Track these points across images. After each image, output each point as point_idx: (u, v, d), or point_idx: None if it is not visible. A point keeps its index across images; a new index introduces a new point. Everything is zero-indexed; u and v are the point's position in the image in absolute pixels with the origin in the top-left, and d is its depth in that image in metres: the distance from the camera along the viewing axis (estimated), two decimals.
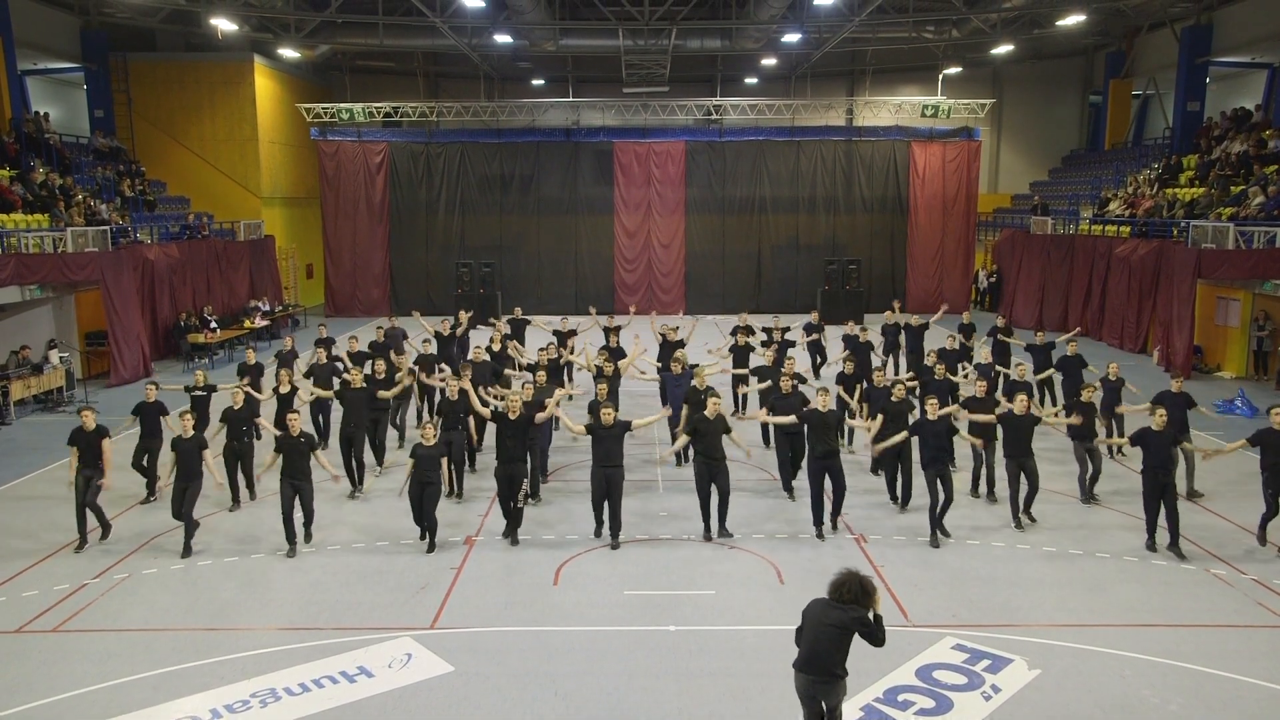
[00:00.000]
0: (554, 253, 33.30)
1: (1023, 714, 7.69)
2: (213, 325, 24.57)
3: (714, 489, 11.46)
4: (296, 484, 11.02)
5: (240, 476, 12.89)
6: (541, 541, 11.51)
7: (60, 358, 20.02)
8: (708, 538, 11.56)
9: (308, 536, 11.49)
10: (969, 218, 33.51)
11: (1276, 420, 11.10)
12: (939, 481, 11.30)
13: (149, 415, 12.88)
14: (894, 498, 12.85)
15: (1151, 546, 11.13)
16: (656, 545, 11.42)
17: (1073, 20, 28.10)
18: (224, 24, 26.73)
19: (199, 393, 13.91)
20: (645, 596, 9.92)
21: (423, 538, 11.38)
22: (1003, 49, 32.36)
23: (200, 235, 27.03)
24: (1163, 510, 10.91)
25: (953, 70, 35.41)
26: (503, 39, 29.47)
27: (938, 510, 11.40)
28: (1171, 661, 8.51)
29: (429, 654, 8.69)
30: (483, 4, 25.58)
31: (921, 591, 10.01)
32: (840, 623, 6.35)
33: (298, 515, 11.22)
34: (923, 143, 33.13)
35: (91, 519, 11.53)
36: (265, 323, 27.26)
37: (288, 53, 31.73)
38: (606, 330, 18.14)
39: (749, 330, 17.63)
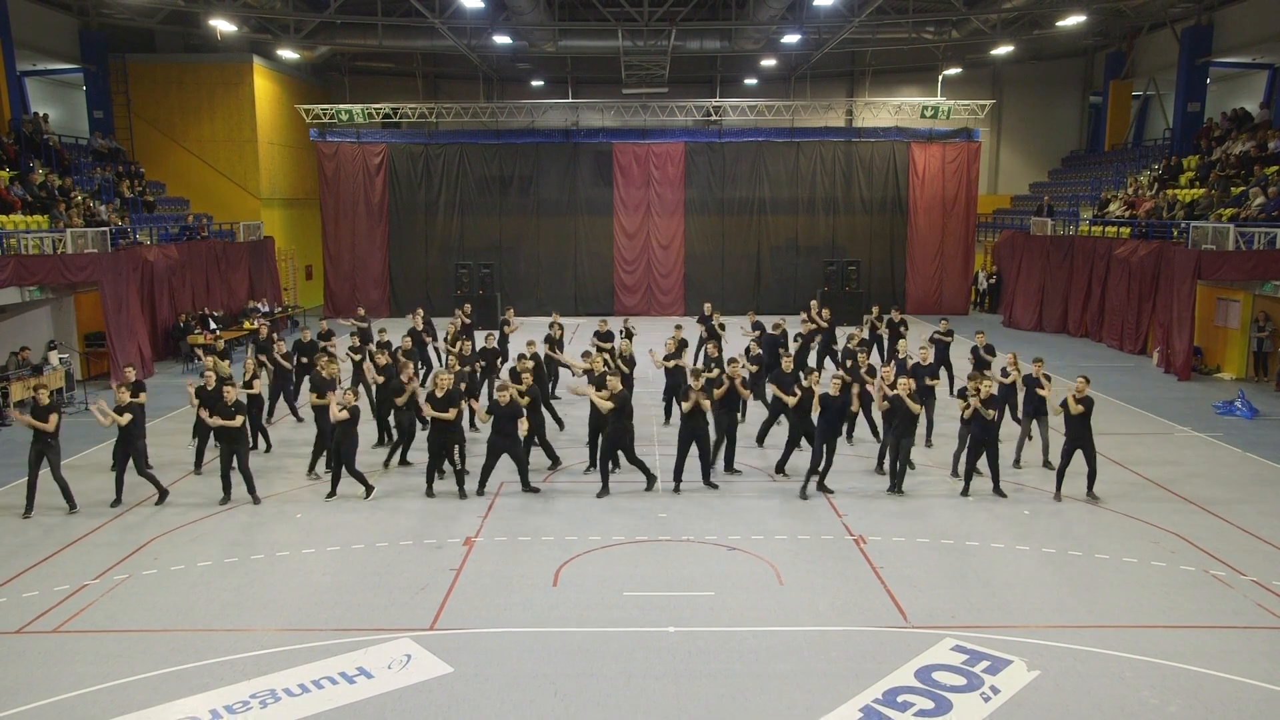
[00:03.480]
0: (553, 254, 33.31)
1: (1022, 715, 7.69)
2: (213, 326, 24.56)
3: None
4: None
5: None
6: (541, 543, 11.52)
7: (60, 359, 20.03)
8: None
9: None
10: (969, 219, 33.50)
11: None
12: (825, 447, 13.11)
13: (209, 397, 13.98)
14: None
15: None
16: (656, 546, 11.42)
17: (1073, 21, 28.13)
18: (223, 25, 26.75)
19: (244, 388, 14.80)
20: (644, 598, 9.92)
21: (481, 489, 13.26)
22: (1002, 50, 32.37)
23: (199, 236, 27.03)
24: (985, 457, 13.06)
25: (952, 71, 35.43)
26: (502, 40, 29.49)
27: (822, 468, 13.22)
28: (1171, 663, 8.51)
29: (428, 655, 8.69)
30: (482, 5, 25.59)
31: (921, 592, 10.02)
32: None
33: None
34: (922, 144, 33.12)
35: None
36: (265, 324, 27.22)
37: (287, 54, 31.73)
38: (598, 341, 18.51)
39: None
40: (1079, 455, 12.73)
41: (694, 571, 10.65)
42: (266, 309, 28.35)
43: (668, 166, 32.93)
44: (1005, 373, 15.06)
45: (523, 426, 12.91)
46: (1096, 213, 29.34)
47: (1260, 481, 14.03)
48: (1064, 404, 12.58)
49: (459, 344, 17.07)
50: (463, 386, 13.97)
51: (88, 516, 12.53)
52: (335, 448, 13.00)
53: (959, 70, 35.61)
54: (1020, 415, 14.70)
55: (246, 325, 26.28)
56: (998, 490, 13.12)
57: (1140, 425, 17.37)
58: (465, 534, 11.81)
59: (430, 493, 13.24)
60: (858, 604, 9.75)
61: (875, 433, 15.76)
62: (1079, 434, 12.62)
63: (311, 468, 14.35)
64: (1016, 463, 14.45)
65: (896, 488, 13.33)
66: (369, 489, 13.18)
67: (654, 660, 8.60)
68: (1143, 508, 12.75)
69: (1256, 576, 10.45)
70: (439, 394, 12.95)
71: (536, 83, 37.41)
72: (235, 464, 12.88)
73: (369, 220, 32.91)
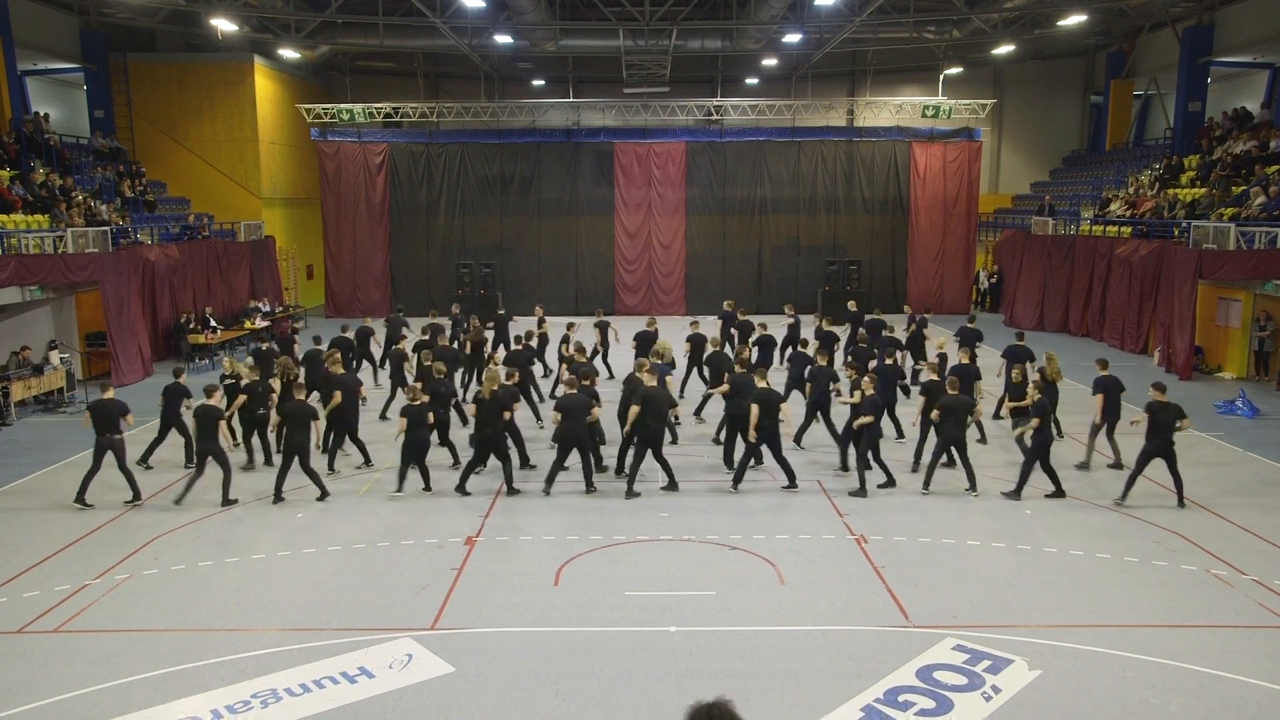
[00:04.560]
0: (554, 254, 33.29)
1: (1023, 714, 7.69)
2: (213, 326, 24.57)
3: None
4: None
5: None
6: (542, 542, 11.52)
7: (61, 359, 20.03)
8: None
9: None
10: (970, 218, 33.48)
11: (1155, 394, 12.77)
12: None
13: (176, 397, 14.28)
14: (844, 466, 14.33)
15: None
16: (657, 546, 11.42)
17: (1074, 20, 28.11)
18: (224, 24, 26.74)
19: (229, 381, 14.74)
20: (646, 597, 9.92)
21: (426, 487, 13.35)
22: (1003, 49, 32.34)
23: (200, 236, 27.03)
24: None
25: (953, 70, 35.40)
26: (503, 39, 29.48)
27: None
28: (1172, 662, 8.51)
29: (429, 654, 8.69)
30: (483, 4, 25.57)
31: (921, 592, 10.02)
32: None
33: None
34: (923, 143, 33.10)
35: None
36: (265, 324, 27.24)
37: (288, 53, 31.72)
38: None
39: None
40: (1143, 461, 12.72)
41: (695, 571, 10.65)
42: (268, 308, 28.36)
43: (669, 166, 32.91)
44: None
45: (594, 413, 13.07)
46: (1097, 212, 29.32)
47: (1261, 481, 14.03)
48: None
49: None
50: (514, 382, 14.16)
51: (88, 515, 12.54)
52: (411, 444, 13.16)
53: (960, 70, 35.58)
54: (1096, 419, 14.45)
55: (248, 325, 26.29)
56: (1016, 494, 13.05)
57: (1141, 425, 17.32)
58: (466, 533, 11.81)
59: (464, 490, 13.31)
60: (859, 604, 9.75)
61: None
62: (1159, 441, 12.51)
63: (331, 463, 14.46)
64: (1118, 464, 14.43)
65: (974, 487, 13.21)
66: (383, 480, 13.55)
67: (655, 660, 8.60)
68: (1144, 507, 12.74)
69: (1258, 576, 10.44)
70: (486, 396, 12.94)
71: (537, 82, 37.39)
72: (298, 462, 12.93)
73: (370, 220, 32.90)
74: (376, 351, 20.48)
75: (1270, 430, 17.01)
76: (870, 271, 32.41)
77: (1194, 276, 21.03)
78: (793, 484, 13.34)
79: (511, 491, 13.17)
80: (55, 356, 19.94)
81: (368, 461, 14.66)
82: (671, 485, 13.37)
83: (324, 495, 13.01)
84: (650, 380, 13.15)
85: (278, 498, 12.97)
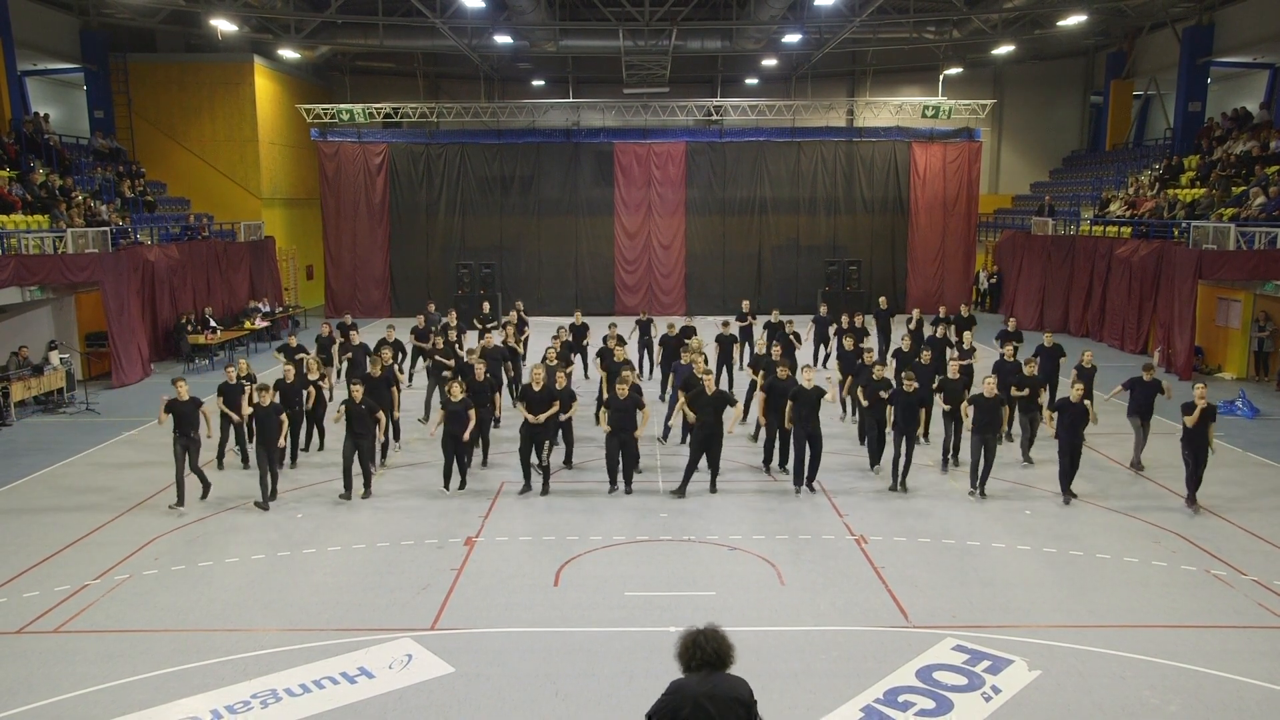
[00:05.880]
0: (554, 254, 33.28)
1: (1023, 715, 7.69)
2: (213, 326, 24.56)
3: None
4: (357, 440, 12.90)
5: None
6: (542, 543, 11.52)
7: (60, 359, 20.02)
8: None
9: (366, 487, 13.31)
10: (970, 218, 33.48)
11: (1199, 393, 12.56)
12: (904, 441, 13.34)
13: (231, 395, 14.09)
14: (875, 463, 14.36)
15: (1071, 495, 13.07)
16: (657, 546, 11.42)
17: (1073, 20, 28.12)
18: (224, 25, 26.74)
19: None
20: (646, 598, 9.92)
21: (462, 485, 13.51)
22: (1003, 49, 32.36)
23: (200, 236, 27.03)
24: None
25: (953, 71, 35.42)
26: (503, 40, 29.50)
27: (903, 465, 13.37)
28: (1171, 662, 8.51)
29: (429, 655, 8.69)
30: (483, 4, 25.60)
31: (921, 592, 10.02)
32: (746, 699, 5.01)
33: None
34: (923, 143, 33.09)
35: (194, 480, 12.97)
36: (265, 324, 27.24)
37: (288, 53, 31.73)
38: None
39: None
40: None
41: (695, 571, 10.65)
42: (267, 309, 28.35)
43: (669, 166, 32.91)
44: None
45: (643, 418, 12.99)
46: (1097, 212, 29.33)
47: (1261, 481, 14.03)
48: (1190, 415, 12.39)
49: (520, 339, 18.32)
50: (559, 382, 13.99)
51: (88, 515, 12.54)
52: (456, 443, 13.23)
53: (960, 70, 35.59)
54: (1128, 415, 14.50)
55: (248, 325, 26.27)
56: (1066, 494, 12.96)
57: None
58: (466, 534, 11.81)
59: (528, 488, 13.31)
60: (859, 604, 9.75)
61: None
62: (1196, 441, 12.44)
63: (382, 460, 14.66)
64: (1135, 464, 14.49)
65: (979, 490, 13.08)
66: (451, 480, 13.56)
67: (655, 660, 8.58)
68: (1144, 507, 12.75)
69: (1257, 576, 10.45)
70: (536, 388, 12.99)
71: (537, 82, 37.39)
72: (358, 456, 13.03)
73: (370, 220, 32.90)
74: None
75: (1270, 430, 17.02)
76: (870, 271, 32.42)
77: (1194, 277, 21.03)
78: (798, 487, 13.39)
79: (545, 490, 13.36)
80: (55, 357, 19.94)
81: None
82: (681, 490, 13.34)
83: (347, 495, 13.10)
84: (710, 381, 13.08)
85: (352, 493, 13.10)
